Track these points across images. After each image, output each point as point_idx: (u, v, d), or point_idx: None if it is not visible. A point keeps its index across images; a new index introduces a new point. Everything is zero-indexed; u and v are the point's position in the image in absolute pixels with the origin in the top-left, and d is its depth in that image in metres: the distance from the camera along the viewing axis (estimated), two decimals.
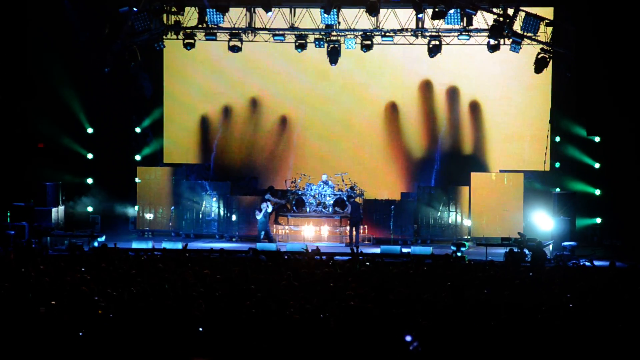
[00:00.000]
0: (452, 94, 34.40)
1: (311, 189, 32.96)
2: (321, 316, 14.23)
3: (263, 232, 31.42)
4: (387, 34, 31.56)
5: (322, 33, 31.77)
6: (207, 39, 32.12)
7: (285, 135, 35.18)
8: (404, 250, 28.70)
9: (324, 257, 23.75)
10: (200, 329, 13.46)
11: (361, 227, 32.02)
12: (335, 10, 30.50)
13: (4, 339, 13.14)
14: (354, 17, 31.43)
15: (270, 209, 31.57)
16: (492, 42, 31.02)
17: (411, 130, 34.70)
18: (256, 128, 35.20)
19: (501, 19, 30.33)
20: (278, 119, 35.13)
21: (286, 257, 24.10)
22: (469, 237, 32.64)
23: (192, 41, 31.82)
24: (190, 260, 22.50)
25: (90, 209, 34.66)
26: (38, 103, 33.59)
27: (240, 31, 31.85)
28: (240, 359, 12.87)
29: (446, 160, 34.61)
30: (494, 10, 30.50)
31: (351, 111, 34.85)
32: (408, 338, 12.79)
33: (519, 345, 13.23)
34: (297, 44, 31.79)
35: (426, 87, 34.46)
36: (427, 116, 34.63)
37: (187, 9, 31.52)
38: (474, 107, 34.32)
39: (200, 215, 33.69)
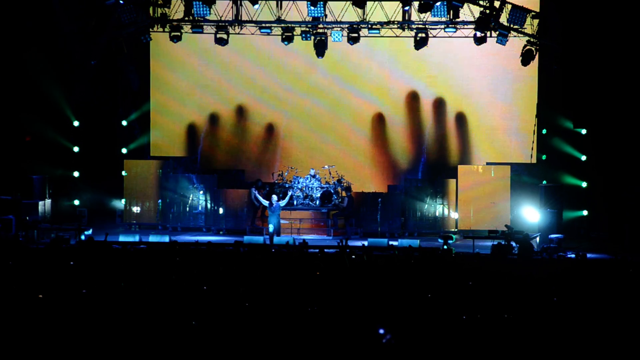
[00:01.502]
0: (439, 86, 34.39)
1: (298, 182, 32.96)
2: (308, 310, 14.25)
3: (273, 226, 30.73)
4: (374, 26, 31.54)
5: (309, 26, 31.73)
6: (193, 32, 32.04)
7: (273, 128, 35.15)
8: (392, 243, 28.71)
9: (310, 251, 23.74)
10: (192, 323, 13.46)
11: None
12: (322, 2, 30.44)
13: None
14: (341, 10, 31.40)
15: (283, 202, 30.94)
16: (479, 34, 31.04)
17: (398, 123, 34.71)
18: (243, 121, 35.16)
19: (487, 11, 30.35)
20: (265, 112, 35.08)
21: (273, 250, 24.10)
22: (456, 229, 32.71)
23: (178, 34, 31.74)
24: (179, 253, 22.47)
25: (77, 202, 34.58)
26: (24, 96, 33.44)
27: (226, 24, 31.79)
28: (229, 353, 12.87)
29: (433, 153, 34.64)
30: (480, 2, 30.52)
31: (338, 104, 34.84)
32: (381, 331, 12.83)
33: (503, 337, 13.26)
34: (283, 36, 31.75)
35: (412, 80, 34.45)
36: (414, 109, 34.62)
37: (173, 1, 31.41)
38: (461, 100, 34.33)
39: (188, 209, 33.67)
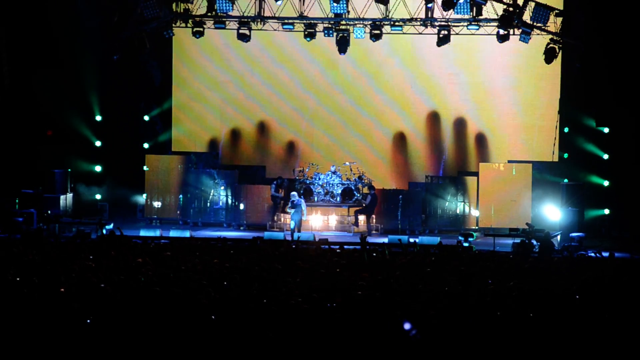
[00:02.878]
0: (461, 84, 34.32)
1: (319, 178, 32.95)
2: (328, 305, 14.24)
3: (294, 223, 30.75)
4: (396, 23, 31.53)
5: (331, 22, 31.74)
6: (216, 27, 32.09)
7: (294, 124, 35.18)
8: (411, 240, 28.65)
9: (332, 247, 23.73)
10: (212, 317, 13.48)
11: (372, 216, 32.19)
12: None
13: (13, 327, 13.17)
14: (363, 6, 31.37)
15: (304, 206, 30.90)
16: (502, 32, 30.94)
17: (419, 121, 34.66)
18: (264, 117, 35.20)
19: (511, 8, 30.27)
20: (286, 108, 35.11)
21: (294, 246, 24.12)
22: (476, 227, 32.65)
23: (201, 29, 31.79)
24: (198, 248, 22.52)
25: (98, 196, 34.71)
26: (48, 90, 33.56)
27: (249, 19, 31.82)
28: (247, 348, 12.88)
29: (455, 150, 34.57)
30: (504, 0, 30.44)
31: (360, 100, 34.83)
32: (407, 326, 12.82)
33: (524, 335, 13.23)
34: (306, 32, 31.75)
35: (435, 77, 34.39)
36: (435, 107, 34.57)
37: None
38: (483, 98, 34.24)
39: (208, 204, 33.72)
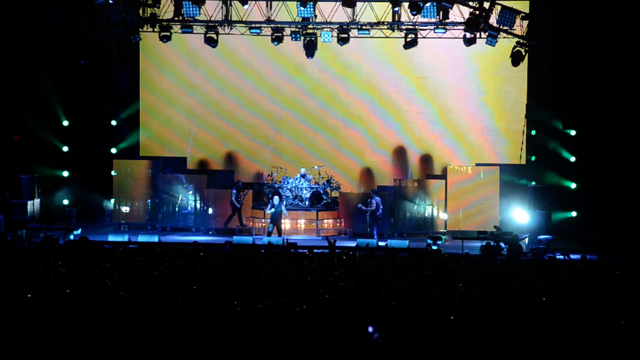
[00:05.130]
0: (429, 87, 34.39)
1: (288, 182, 32.99)
2: (297, 309, 14.24)
3: (272, 226, 31.08)
4: (364, 27, 31.56)
5: (299, 26, 31.74)
6: (183, 32, 31.98)
7: (262, 128, 35.13)
8: (380, 243, 28.69)
9: (299, 251, 23.75)
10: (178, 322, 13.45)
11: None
12: (311, 3, 30.43)
13: None
14: (331, 10, 31.40)
15: (282, 206, 31.14)
16: (468, 35, 31.04)
17: (387, 123, 34.69)
18: (233, 121, 35.12)
19: (477, 12, 30.38)
20: (255, 112, 35.06)
21: (262, 250, 24.11)
22: (445, 230, 32.76)
23: (168, 34, 31.70)
24: (166, 254, 22.45)
25: (66, 201, 34.53)
26: (13, 95, 33.37)
27: (216, 24, 31.76)
28: (216, 352, 12.87)
29: (423, 153, 34.64)
30: (470, 3, 30.58)
31: (328, 104, 34.84)
32: (370, 329, 12.85)
33: (492, 337, 13.28)
34: (273, 36, 31.74)
35: (402, 81, 34.45)
36: (403, 110, 34.61)
37: (163, 1, 31.41)
38: (450, 101, 34.33)
39: (177, 209, 33.64)
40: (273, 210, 30.78)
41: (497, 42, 30.76)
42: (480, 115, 34.26)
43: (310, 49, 31.73)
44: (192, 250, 23.38)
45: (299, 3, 30.45)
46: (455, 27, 31.49)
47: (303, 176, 33.05)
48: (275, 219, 30.84)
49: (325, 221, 32.55)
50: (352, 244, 28.50)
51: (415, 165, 34.66)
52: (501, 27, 30.31)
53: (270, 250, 23.89)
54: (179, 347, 12.90)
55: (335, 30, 31.58)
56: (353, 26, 31.58)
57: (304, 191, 32.90)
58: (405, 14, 31.13)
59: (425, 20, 31.14)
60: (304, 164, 33.80)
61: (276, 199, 30.96)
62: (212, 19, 31.69)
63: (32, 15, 33.22)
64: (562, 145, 33.47)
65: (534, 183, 32.53)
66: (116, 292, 14.92)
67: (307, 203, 32.86)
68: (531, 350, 13.09)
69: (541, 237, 29.25)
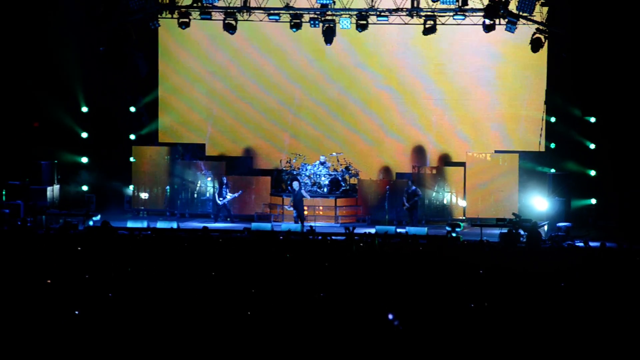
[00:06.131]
0: (447, 74, 34.28)
1: (306, 169, 32.99)
2: (315, 297, 14.26)
3: (296, 212, 31.21)
4: (382, 13, 31.54)
5: (317, 12, 31.70)
6: (201, 18, 32.03)
7: (281, 115, 35.11)
8: (399, 230, 28.67)
9: (318, 237, 23.73)
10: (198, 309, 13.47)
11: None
12: None
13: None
14: None
15: (302, 190, 31.25)
16: (488, 22, 30.95)
17: (406, 111, 34.63)
18: (251, 108, 35.10)
19: None
20: (273, 99, 35.03)
21: (281, 237, 24.12)
22: (463, 217, 32.69)
23: (186, 20, 31.74)
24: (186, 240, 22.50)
25: (85, 188, 34.63)
26: (34, 83, 33.46)
27: (235, 10, 31.76)
28: (236, 340, 12.89)
29: (441, 140, 34.55)
30: None
31: (347, 91, 34.78)
32: (390, 316, 12.84)
33: (511, 325, 13.26)
34: (292, 23, 31.72)
35: (421, 67, 34.34)
36: (422, 96, 34.53)
37: None
38: (470, 88, 34.23)
39: (195, 195, 33.70)
40: (295, 198, 30.90)
41: (516, 28, 30.66)
42: (499, 102, 34.14)
43: (329, 35, 31.68)
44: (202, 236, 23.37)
45: None
46: (474, 14, 31.40)
47: (322, 163, 33.04)
48: (297, 205, 30.93)
49: (344, 208, 32.55)
50: (371, 230, 28.49)
51: (433, 152, 34.59)
52: (521, 13, 30.19)
53: (289, 237, 23.88)
54: (202, 336, 12.93)
55: (354, 16, 31.53)
56: (372, 13, 31.53)
57: (323, 178, 32.90)
58: (424, 1, 31.07)
59: (445, 6, 31.07)
60: (323, 150, 33.77)
61: (295, 184, 31.06)
62: (231, 5, 31.69)
63: (52, 2, 33.24)
64: (581, 133, 33.29)
65: (553, 170, 32.42)
66: (137, 279, 14.97)
67: (325, 190, 32.86)
68: (550, 337, 13.07)
69: (560, 224, 29.17)
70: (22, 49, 33.16)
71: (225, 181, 32.46)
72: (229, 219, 32.35)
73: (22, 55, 33.17)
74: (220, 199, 32.04)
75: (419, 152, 34.64)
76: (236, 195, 31.93)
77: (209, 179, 33.45)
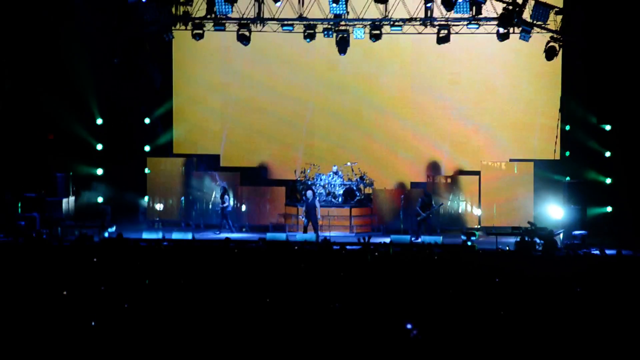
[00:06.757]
0: (462, 83, 34.28)
1: (321, 179, 33.00)
2: (330, 307, 14.25)
3: (307, 221, 31.20)
4: (396, 23, 31.54)
5: (331, 23, 31.74)
6: (215, 30, 32.08)
7: (295, 126, 35.13)
8: (414, 240, 28.64)
9: (334, 247, 23.71)
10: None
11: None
12: None
13: (16, 331, 13.17)
14: (363, 7, 31.37)
15: (315, 200, 31.27)
16: (502, 30, 30.91)
17: (420, 120, 34.61)
18: (265, 118, 35.15)
19: (510, 7, 30.24)
20: (287, 109, 35.07)
21: (296, 247, 24.11)
22: (479, 226, 32.63)
23: (200, 32, 31.82)
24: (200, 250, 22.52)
25: (100, 199, 34.70)
26: (49, 95, 33.58)
27: (248, 21, 31.84)
28: (251, 350, 12.89)
29: (456, 149, 34.52)
30: None
31: (360, 101, 34.80)
32: (408, 326, 12.83)
33: (528, 334, 13.22)
34: (305, 33, 31.75)
35: (435, 77, 34.36)
36: (437, 106, 34.52)
37: None
38: (484, 96, 34.21)
39: (210, 206, 33.73)
40: (307, 208, 30.91)
41: (530, 37, 30.64)
42: (513, 111, 34.10)
43: (343, 45, 31.70)
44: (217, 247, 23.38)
45: (331, 0, 30.45)
46: (488, 23, 31.37)
47: (336, 173, 33.05)
48: (310, 214, 30.94)
49: (359, 217, 32.53)
50: (386, 239, 28.47)
51: (448, 161, 34.56)
52: (535, 22, 30.14)
53: (304, 247, 23.87)
54: (218, 346, 12.94)
55: (368, 26, 31.56)
56: (385, 22, 31.55)
57: (337, 188, 32.90)
58: (438, 10, 31.08)
59: (458, 15, 31.04)
60: (337, 160, 33.74)
61: (309, 193, 31.09)
62: (245, 16, 31.76)
63: (67, 14, 33.34)
64: (596, 140, 33.23)
65: (568, 178, 32.35)
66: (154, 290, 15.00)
67: (340, 200, 32.86)
68: (566, 342, 13.03)
69: (576, 232, 29.10)
70: (36, 61, 33.28)
71: (226, 187, 32.57)
72: (233, 229, 32.33)
73: (36, 68, 33.29)
74: (224, 205, 32.10)
75: (434, 161, 34.60)
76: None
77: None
